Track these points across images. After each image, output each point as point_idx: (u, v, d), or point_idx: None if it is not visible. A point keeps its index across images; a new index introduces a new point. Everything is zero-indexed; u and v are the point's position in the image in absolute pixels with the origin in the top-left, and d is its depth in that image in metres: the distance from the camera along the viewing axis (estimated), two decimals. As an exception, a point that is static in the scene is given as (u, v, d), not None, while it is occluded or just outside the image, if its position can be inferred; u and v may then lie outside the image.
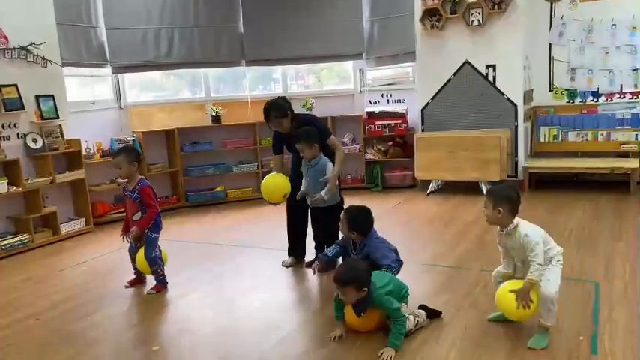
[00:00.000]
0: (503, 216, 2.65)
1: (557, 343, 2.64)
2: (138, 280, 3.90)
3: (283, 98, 4.12)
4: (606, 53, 6.34)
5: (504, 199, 2.65)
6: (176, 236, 5.35)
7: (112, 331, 3.22)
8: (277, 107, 3.96)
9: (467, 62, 6.48)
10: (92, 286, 4.01)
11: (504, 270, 2.83)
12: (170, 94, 7.27)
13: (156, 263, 3.71)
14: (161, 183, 6.67)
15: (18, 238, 5.08)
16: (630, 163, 5.90)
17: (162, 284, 3.77)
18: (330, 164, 3.88)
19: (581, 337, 2.69)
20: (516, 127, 6.37)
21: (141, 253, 3.72)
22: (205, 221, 6.00)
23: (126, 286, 3.85)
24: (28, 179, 5.21)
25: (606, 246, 4.11)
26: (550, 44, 6.56)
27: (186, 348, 2.91)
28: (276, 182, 4.01)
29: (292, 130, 3.97)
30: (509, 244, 2.70)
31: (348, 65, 7.48)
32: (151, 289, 3.75)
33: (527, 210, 5.35)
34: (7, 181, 5.03)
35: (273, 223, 5.10)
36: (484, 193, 6.13)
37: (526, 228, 2.65)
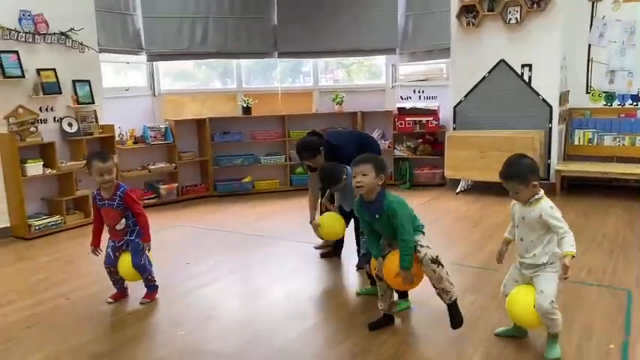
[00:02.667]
0: (532, 188, 2.48)
1: (586, 351, 2.59)
2: (121, 295, 3.49)
3: (314, 133, 4.09)
4: (648, 56, 6.15)
5: (534, 171, 2.52)
6: (205, 224, 5.41)
7: (138, 315, 3.27)
8: (308, 147, 3.91)
9: (502, 61, 6.37)
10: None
11: (510, 236, 2.72)
12: (202, 84, 7.33)
13: (146, 270, 3.37)
14: (191, 171, 6.75)
15: (51, 219, 5.20)
16: (668, 170, 5.73)
17: (154, 291, 3.45)
18: None
19: (611, 346, 2.63)
20: (550, 128, 6.24)
21: (126, 262, 3.33)
22: (233, 211, 6.04)
23: (109, 302, 3.41)
24: (62, 162, 5.33)
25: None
26: (589, 45, 6.39)
27: (212, 334, 2.94)
28: (333, 228, 3.87)
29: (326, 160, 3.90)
30: (526, 215, 2.51)
31: (380, 60, 7.43)
32: (144, 298, 3.41)
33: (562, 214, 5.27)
34: (42, 163, 5.15)
35: (301, 216, 5.11)
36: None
37: (549, 201, 2.51)
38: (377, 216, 2.71)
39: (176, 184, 6.48)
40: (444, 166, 6.53)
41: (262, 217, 5.68)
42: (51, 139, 5.28)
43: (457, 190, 6.47)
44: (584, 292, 3.31)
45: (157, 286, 3.47)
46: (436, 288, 2.72)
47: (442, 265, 2.68)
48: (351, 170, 3.73)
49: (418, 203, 6.02)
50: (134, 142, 6.21)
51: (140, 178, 6.36)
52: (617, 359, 2.51)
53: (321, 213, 4.09)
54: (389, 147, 7.02)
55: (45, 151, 5.25)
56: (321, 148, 3.89)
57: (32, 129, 5.12)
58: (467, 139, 6.31)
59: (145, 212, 3.40)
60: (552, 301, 2.43)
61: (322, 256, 4.21)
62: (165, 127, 6.41)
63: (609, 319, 2.94)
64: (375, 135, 7.13)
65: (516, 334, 2.72)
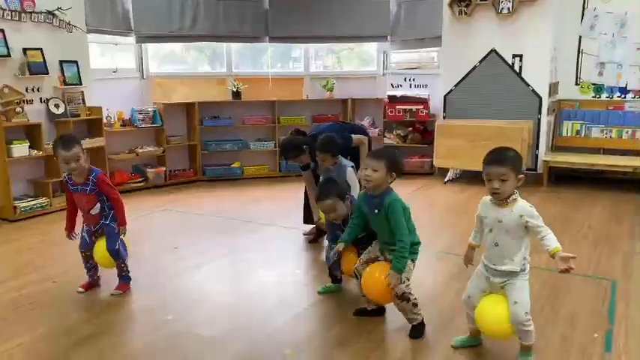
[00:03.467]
0: (518, 182, 2.28)
1: (570, 340, 2.63)
2: (93, 284, 3.37)
3: (297, 131, 4.09)
4: (638, 49, 6.18)
5: (521, 164, 2.36)
6: (193, 209, 5.39)
7: (126, 299, 3.25)
8: (291, 147, 3.93)
9: (493, 50, 6.37)
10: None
11: (475, 242, 2.52)
12: (190, 68, 7.25)
13: (120, 256, 3.26)
14: (179, 155, 6.70)
15: (37, 202, 5.14)
16: (654, 163, 5.80)
17: (126, 282, 3.33)
18: (349, 170, 3.69)
19: (595, 335, 2.67)
20: (539, 119, 6.27)
21: (102, 248, 3.24)
22: (222, 196, 6.02)
23: (79, 292, 3.30)
24: (49, 144, 5.24)
25: (625, 245, 4.06)
26: (580, 37, 6.41)
27: (200, 319, 2.93)
28: None
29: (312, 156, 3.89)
30: (504, 217, 2.29)
31: (370, 47, 7.40)
32: (115, 289, 3.27)
33: (545, 204, 5.33)
34: (28, 144, 5.08)
35: (290, 202, 5.11)
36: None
37: (525, 201, 2.33)
38: (376, 211, 2.67)
39: (164, 168, 6.43)
40: (434, 154, 6.55)
41: (251, 203, 5.67)
42: (37, 120, 5.20)
43: (446, 179, 6.50)
44: (568, 282, 3.35)
45: (129, 278, 3.34)
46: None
47: (409, 300, 2.62)
48: (343, 160, 3.76)
49: (407, 191, 6.03)
50: (122, 125, 6.14)
51: (127, 162, 6.31)
52: (600, 348, 2.55)
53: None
54: (379, 135, 7.01)
55: (31, 133, 5.17)
56: (305, 146, 3.90)
57: (18, 109, 5.03)
58: (457, 129, 6.32)
59: (120, 196, 3.28)
60: (527, 312, 2.29)
61: (311, 242, 4.23)
62: (154, 111, 6.34)
63: (593, 308, 2.99)
64: (366, 122, 7.11)
65: (473, 344, 2.57)
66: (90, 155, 5.68)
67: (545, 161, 6.23)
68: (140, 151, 6.26)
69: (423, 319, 2.68)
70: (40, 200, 5.17)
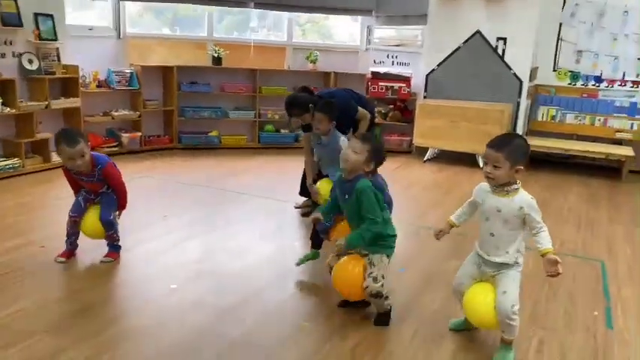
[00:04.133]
0: (515, 172, 2.18)
1: (574, 317, 2.73)
2: (71, 253, 3.19)
3: (304, 88, 3.98)
4: (614, 39, 6.38)
5: (525, 154, 2.21)
6: (173, 177, 5.24)
7: (124, 266, 3.14)
8: (297, 103, 3.81)
9: (478, 32, 6.42)
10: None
11: (456, 221, 2.48)
12: (169, 29, 6.96)
13: (113, 227, 3.14)
14: (155, 121, 6.48)
15: (8, 162, 4.87)
16: (625, 151, 6.04)
17: (117, 250, 3.22)
18: (343, 138, 3.60)
19: (595, 313, 2.78)
20: (518, 103, 6.41)
21: (93, 216, 3.12)
22: (202, 165, 5.86)
23: (59, 261, 3.12)
24: (22, 101, 4.96)
25: (605, 229, 4.23)
26: (560, 24, 6.54)
27: (205, 289, 2.86)
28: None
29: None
30: (503, 207, 2.20)
31: (351, 21, 7.31)
32: (105, 256, 3.16)
33: (526, 187, 5.45)
34: (1, 101, 4.77)
35: (274, 175, 5.05)
36: (480, 165, 6.21)
37: (527, 193, 2.26)
38: (346, 196, 2.52)
39: (139, 134, 6.20)
40: (414, 133, 6.60)
41: (234, 173, 5.55)
42: (10, 75, 4.88)
43: (425, 158, 6.57)
44: (562, 261, 3.46)
45: (120, 247, 3.24)
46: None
47: (381, 296, 2.45)
48: (347, 139, 3.68)
49: (388, 169, 6.06)
50: (97, 86, 5.85)
51: (102, 124, 6.04)
52: (602, 325, 2.66)
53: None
54: (359, 110, 6.98)
55: (3, 89, 4.86)
56: (311, 105, 3.81)
57: (-10, 63, 4.72)
58: (438, 108, 6.37)
59: (125, 187, 3.17)
60: (514, 305, 2.18)
61: (304, 215, 4.18)
62: (131, 73, 6.07)
63: (589, 287, 3.11)
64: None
65: (468, 327, 2.51)
66: (64, 117, 5.51)
67: (521, 144, 6.37)
68: (115, 114, 6.01)
69: (391, 308, 2.56)
70: (11, 161, 4.89)
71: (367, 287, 2.43)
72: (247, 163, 6.06)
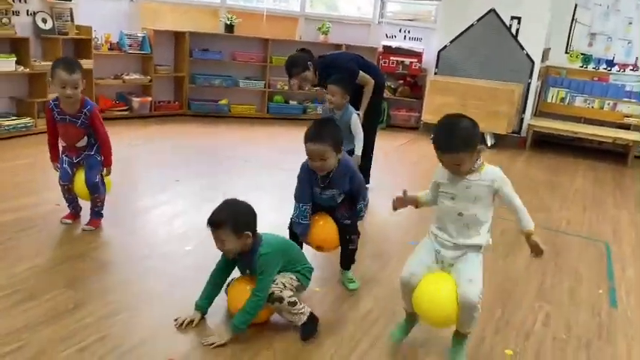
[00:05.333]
0: (477, 153, 1.97)
1: (578, 294, 2.80)
2: (75, 215, 3.20)
3: (303, 50, 3.95)
4: (629, 23, 6.35)
5: (477, 132, 2.00)
6: (184, 142, 5.27)
7: (137, 228, 3.20)
8: (296, 63, 3.78)
9: (493, 10, 6.38)
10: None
11: (424, 199, 2.17)
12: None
13: (97, 190, 3.04)
14: (165, 86, 6.48)
15: (21, 121, 4.89)
16: (633, 136, 6.07)
17: (98, 217, 3.12)
18: (355, 116, 3.56)
19: (600, 291, 2.85)
20: (529, 83, 6.40)
21: (82, 179, 3.04)
22: (213, 132, 5.88)
23: (65, 223, 3.14)
24: (35, 61, 4.96)
25: (611, 211, 4.29)
26: (576, 5, 6.49)
27: (212, 252, 2.92)
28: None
29: (321, 80, 3.81)
30: (472, 184, 1.96)
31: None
32: (86, 224, 3.09)
33: (530, 167, 5.52)
34: (15, 59, 4.77)
35: (283, 145, 5.08)
36: (487, 144, 6.25)
37: (492, 166, 2.02)
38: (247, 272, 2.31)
39: (150, 99, 6.20)
40: (423, 110, 6.60)
41: (245, 142, 5.58)
42: (24, 34, 4.87)
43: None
44: (567, 241, 3.54)
45: (102, 214, 3.14)
46: None
47: (282, 300, 2.16)
48: (350, 107, 3.67)
49: (395, 144, 6.11)
50: (109, 49, 5.84)
51: (112, 88, 6.04)
52: (606, 303, 2.73)
53: None
54: (369, 84, 6.97)
55: (17, 47, 4.86)
56: (309, 63, 3.79)
57: (5, 20, 4.69)
58: (448, 85, 6.37)
59: (108, 136, 3.06)
60: (480, 295, 1.95)
61: None
62: (143, 37, 6.05)
63: (593, 266, 3.18)
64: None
65: (413, 325, 2.21)
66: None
67: (530, 125, 6.40)
68: (127, 78, 6.00)
69: (310, 314, 2.22)
70: (24, 120, 4.91)
71: (272, 293, 2.16)
72: (256, 132, 6.08)
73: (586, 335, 2.40)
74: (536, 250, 1.95)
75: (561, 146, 6.52)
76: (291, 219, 2.63)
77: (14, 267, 2.57)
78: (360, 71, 3.91)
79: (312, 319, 2.22)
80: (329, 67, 3.79)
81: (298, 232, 2.56)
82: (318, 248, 2.64)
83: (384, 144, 6.01)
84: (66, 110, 2.92)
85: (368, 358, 2.11)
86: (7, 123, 4.77)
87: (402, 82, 7.01)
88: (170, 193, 3.80)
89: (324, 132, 2.40)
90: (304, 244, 2.64)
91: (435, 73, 6.74)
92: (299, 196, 2.55)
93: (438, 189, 2.07)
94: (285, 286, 2.21)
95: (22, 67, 4.83)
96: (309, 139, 2.39)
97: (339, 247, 2.63)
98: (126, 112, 6.02)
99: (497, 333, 2.36)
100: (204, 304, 2.27)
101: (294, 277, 2.30)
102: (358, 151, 3.52)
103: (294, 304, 2.18)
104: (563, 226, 3.82)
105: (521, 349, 2.25)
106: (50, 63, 4.91)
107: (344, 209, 2.59)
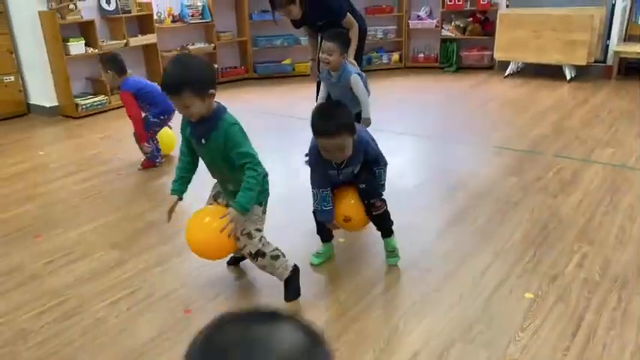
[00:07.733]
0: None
1: (629, 233, 2.57)
2: (151, 163, 3.82)
3: None
4: None
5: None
6: (249, 106, 5.41)
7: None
8: None
9: None
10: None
11: None
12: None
13: (139, 141, 3.76)
14: (230, 52, 6.65)
15: (96, 99, 5.30)
16: None
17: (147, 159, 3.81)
18: (354, 76, 3.12)
19: (657, 228, 2.60)
20: (614, 5, 5.75)
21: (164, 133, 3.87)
22: (276, 93, 5.98)
23: (139, 169, 3.78)
24: (103, 41, 5.30)
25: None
26: None
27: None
28: None
29: (306, 17, 3.50)
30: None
31: None
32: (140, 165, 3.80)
33: (613, 98, 5.03)
34: (84, 41, 5.14)
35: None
36: (567, 78, 5.76)
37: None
38: (203, 141, 2.08)
39: (216, 65, 6.40)
40: (494, 47, 6.20)
41: (305, 100, 5.60)
42: (90, 17, 5.21)
43: (506, 73, 6.19)
44: (631, 176, 3.22)
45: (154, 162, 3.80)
46: None
47: (265, 255, 2.07)
48: (349, 65, 3.21)
49: (465, 86, 5.83)
50: (172, 21, 6.08)
51: (180, 59, 6.30)
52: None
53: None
54: (436, 26, 6.66)
55: (85, 30, 5.22)
56: None
57: (71, 6, 5.04)
58: (520, 18, 5.90)
59: (135, 113, 3.70)
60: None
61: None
62: (203, 5, 6.22)
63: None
64: (422, 13, 6.75)
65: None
66: (143, 52, 5.83)
67: (616, 52, 5.79)
68: (191, 47, 6.24)
69: (293, 268, 2.14)
70: (99, 98, 5.32)
71: (244, 247, 2.05)
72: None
73: (623, 275, 2.22)
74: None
75: (655, 72, 5.84)
76: (314, 209, 2.37)
77: (77, 228, 2.89)
78: (349, 15, 3.46)
79: (295, 272, 2.14)
80: (318, 4, 3.39)
81: (324, 219, 2.33)
82: (346, 221, 2.36)
83: (449, 88, 5.78)
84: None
85: (376, 305, 2.12)
86: (84, 102, 5.19)
87: (471, 19, 6.61)
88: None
89: (336, 121, 2.05)
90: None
91: (507, 6, 6.27)
92: (316, 183, 2.28)
93: None
94: (259, 231, 2.06)
95: (92, 49, 5.19)
96: (320, 133, 2.07)
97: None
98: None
99: (522, 276, 2.25)
100: (178, 187, 2.16)
101: (258, 207, 2.08)
102: (366, 114, 3.15)
103: (276, 257, 2.08)
104: (632, 161, 3.46)
105: (545, 292, 2.14)
106: (117, 42, 5.33)
107: (362, 175, 2.34)
